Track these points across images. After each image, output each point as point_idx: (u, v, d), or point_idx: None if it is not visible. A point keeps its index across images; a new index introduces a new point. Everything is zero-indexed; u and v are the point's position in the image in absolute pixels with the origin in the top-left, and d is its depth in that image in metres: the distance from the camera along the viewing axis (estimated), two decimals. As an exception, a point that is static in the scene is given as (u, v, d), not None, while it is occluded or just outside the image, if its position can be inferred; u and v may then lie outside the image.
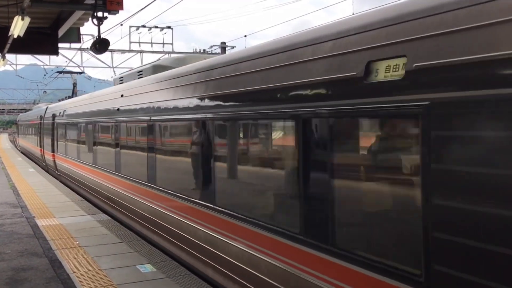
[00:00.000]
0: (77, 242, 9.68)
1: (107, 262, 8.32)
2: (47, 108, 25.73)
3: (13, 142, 64.36)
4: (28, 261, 8.41)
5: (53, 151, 22.10)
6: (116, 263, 8.26)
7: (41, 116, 26.63)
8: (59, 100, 28.17)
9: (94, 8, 9.05)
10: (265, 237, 5.55)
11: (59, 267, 8.06)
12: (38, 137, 27.62)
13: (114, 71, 31.65)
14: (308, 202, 4.85)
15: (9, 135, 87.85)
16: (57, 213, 12.78)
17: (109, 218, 12.19)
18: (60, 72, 33.89)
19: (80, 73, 32.55)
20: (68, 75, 33.91)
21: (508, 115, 2.97)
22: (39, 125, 27.14)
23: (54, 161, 21.91)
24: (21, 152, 40.96)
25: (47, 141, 23.71)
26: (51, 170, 23.24)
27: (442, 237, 3.38)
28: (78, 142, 16.89)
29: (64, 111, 19.85)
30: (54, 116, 22.07)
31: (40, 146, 26.74)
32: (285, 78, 5.14)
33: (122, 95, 11.76)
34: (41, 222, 11.58)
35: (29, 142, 35.15)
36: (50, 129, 22.73)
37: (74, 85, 31.31)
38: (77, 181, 17.12)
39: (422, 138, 3.49)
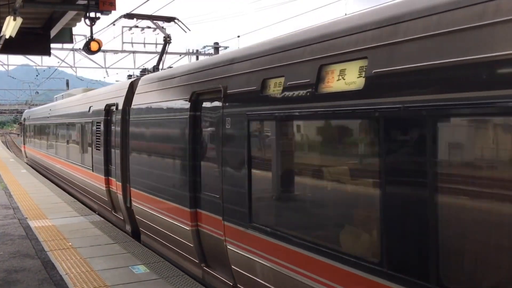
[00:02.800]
0: (70, 243, 9.64)
1: (100, 263, 8.30)
2: (139, 79, 10.96)
3: (6, 143, 64.07)
4: (20, 263, 8.37)
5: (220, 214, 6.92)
6: (109, 264, 8.25)
7: (108, 106, 12.30)
8: (137, 75, 13.70)
9: (86, 8, 9.03)
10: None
11: (52, 268, 8.03)
12: (97, 151, 13.15)
13: (106, 72, 31.58)
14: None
15: (0, 135, 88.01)
16: (49, 214, 12.72)
17: (102, 219, 12.15)
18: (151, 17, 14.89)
19: (170, 18, 17.51)
20: (62, 75, 33.53)
21: None
22: (102, 126, 12.62)
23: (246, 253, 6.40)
24: (30, 166, 27.99)
25: (144, 168, 9.66)
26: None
27: None
28: None
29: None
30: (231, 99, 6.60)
31: (106, 175, 12.36)
32: None
33: None
34: (33, 223, 11.53)
35: (56, 157, 19.98)
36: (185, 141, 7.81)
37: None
38: None
39: None
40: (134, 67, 31.38)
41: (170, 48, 13.66)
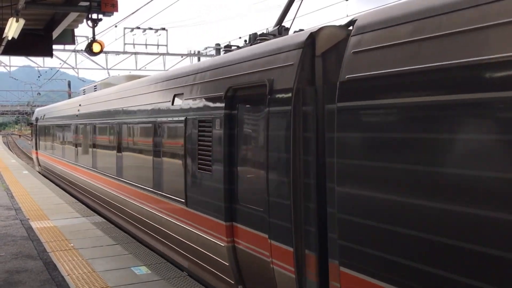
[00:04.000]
0: (72, 244, 9.65)
1: (102, 264, 8.31)
2: (352, 23, 4.56)
3: (7, 144, 64.20)
4: (22, 264, 8.38)
5: None
6: (111, 265, 8.25)
7: (233, 91, 6.39)
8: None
9: (88, 9, 9.05)
10: None
11: (54, 269, 8.04)
12: (201, 172, 7.14)
13: (108, 73, 31.63)
14: None
15: (2, 136, 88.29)
16: (51, 215, 12.73)
17: (104, 220, 12.16)
18: None
19: None
20: (63, 77, 33.50)
21: None
22: (221, 127, 6.56)
23: None
24: (44, 176, 22.80)
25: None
26: None
27: None
28: None
29: None
30: None
31: (229, 219, 6.42)
32: None
33: None
34: (35, 224, 11.54)
35: (100, 174, 13.36)
36: None
37: None
38: None
39: None
40: (136, 68, 31.45)
41: (171, 49, 13.71)
